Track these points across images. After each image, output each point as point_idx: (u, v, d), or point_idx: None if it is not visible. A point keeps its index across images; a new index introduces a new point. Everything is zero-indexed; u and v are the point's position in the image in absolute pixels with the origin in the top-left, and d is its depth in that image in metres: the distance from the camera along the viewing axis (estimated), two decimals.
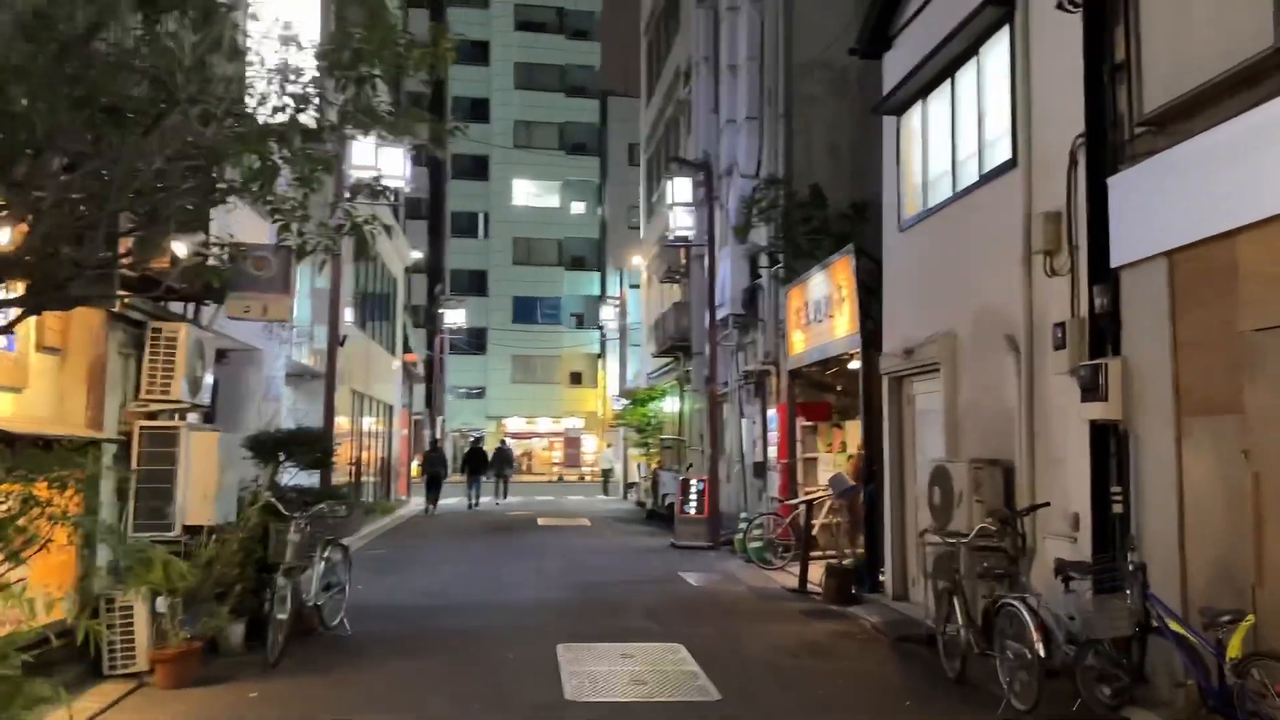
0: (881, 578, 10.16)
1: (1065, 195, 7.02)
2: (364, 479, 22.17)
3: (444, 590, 10.57)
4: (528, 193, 52.74)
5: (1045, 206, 7.25)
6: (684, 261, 21.34)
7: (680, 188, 14.68)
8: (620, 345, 46.50)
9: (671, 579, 11.72)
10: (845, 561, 10.54)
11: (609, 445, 31.61)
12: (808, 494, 13.37)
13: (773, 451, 14.28)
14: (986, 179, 8.25)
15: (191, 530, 7.05)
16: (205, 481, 7.02)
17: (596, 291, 51.51)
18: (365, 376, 21.63)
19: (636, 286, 31.56)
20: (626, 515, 22.17)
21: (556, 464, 50.09)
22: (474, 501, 24.69)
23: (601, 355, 50.51)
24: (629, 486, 29.18)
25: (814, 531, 13.19)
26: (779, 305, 14.64)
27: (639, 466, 28.71)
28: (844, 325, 11.35)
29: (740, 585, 11.27)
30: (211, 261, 8.08)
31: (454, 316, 29.35)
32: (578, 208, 53.10)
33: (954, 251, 8.81)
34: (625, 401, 25.21)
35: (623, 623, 8.78)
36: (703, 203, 16.00)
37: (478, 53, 53.79)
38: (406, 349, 28.64)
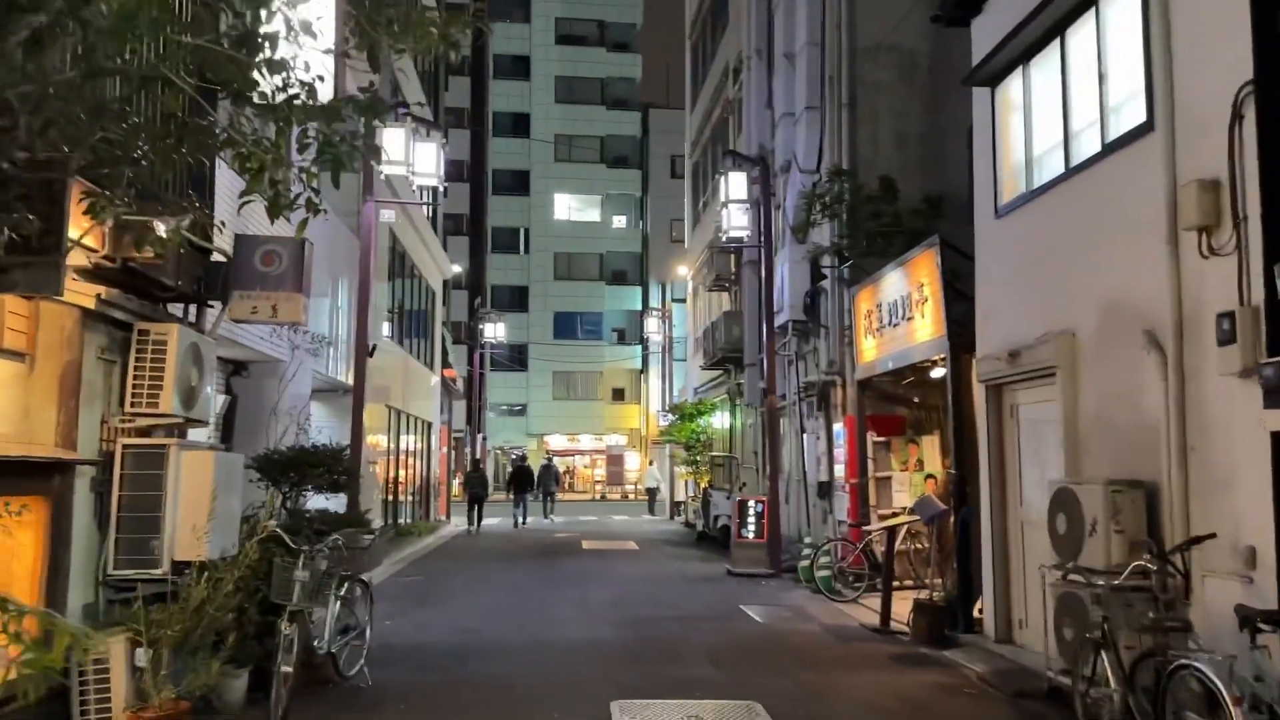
0: (978, 614, 8.86)
1: (1227, 158, 5.73)
2: (401, 499, 21.21)
3: (480, 627, 9.43)
4: (568, 207, 51.97)
5: (1196, 173, 5.96)
6: (734, 269, 20.16)
7: (734, 184, 13.53)
8: (665, 359, 45.36)
9: (733, 614, 10.48)
10: (934, 595, 9.22)
11: (652, 463, 30.41)
12: (883, 517, 12.07)
13: (839, 470, 13.00)
14: (1112, 148, 6.97)
15: (182, 567, 5.99)
16: (199, 509, 5.97)
17: (638, 306, 50.51)
18: (402, 392, 20.72)
19: (681, 300, 30.40)
20: (675, 537, 20.93)
21: (599, 481, 48.99)
22: (521, 520, 24.14)
23: (644, 370, 49.43)
24: (676, 506, 27.94)
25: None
26: (844, 310, 13.39)
27: (686, 485, 27.47)
28: (927, 328, 10.08)
29: (812, 622, 10.00)
30: (216, 257, 7.15)
31: (494, 331, 28.33)
32: (619, 222, 52.21)
33: (1069, 236, 7.54)
34: (672, 417, 24.03)
35: (684, 671, 7.57)
36: (758, 201, 14.82)
37: (518, 67, 53.38)
38: (446, 364, 27.77)
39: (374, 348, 11.35)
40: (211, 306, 7.40)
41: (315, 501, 11.31)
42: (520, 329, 48.55)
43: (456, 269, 33.95)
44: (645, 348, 49.53)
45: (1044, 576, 7.02)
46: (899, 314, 10.86)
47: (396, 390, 20.21)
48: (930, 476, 12.27)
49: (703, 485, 22.41)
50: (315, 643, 6.47)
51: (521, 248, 52.28)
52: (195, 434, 9.48)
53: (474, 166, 53.69)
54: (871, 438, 12.37)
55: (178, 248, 6.60)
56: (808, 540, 13.22)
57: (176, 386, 6.18)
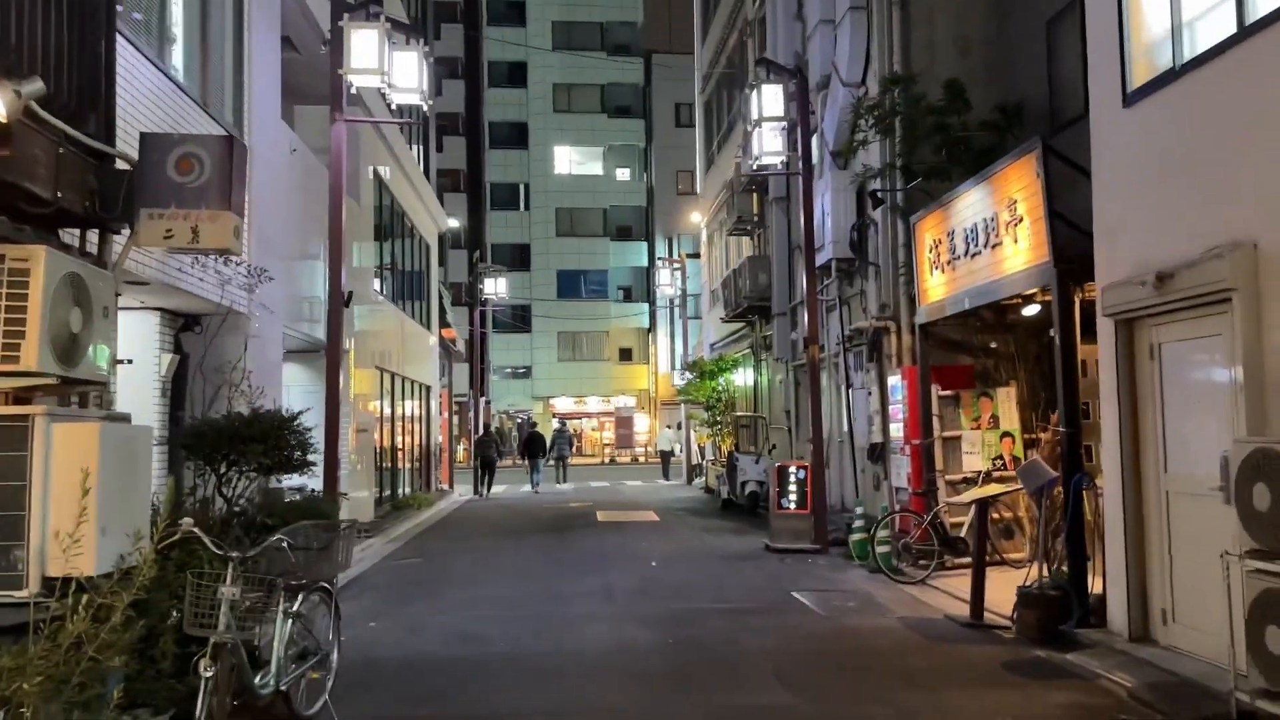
0: (1093, 600, 7.16)
1: None
2: (400, 468, 19.54)
3: (486, 630, 7.73)
4: (569, 160, 49.79)
5: None
6: (758, 209, 18.29)
7: (768, 98, 11.59)
8: (672, 316, 43.51)
9: (786, 604, 8.78)
10: (1042, 582, 7.47)
11: (668, 426, 28.72)
12: (952, 483, 10.34)
13: (895, 430, 11.24)
14: None
15: (59, 585, 4.24)
16: (77, 505, 4.20)
17: (644, 263, 48.58)
18: (398, 354, 18.96)
19: (695, 256, 28.37)
20: (697, 505, 19.25)
21: (608, 445, 47.37)
22: (536, 486, 23.47)
23: (651, 329, 47.57)
24: (693, 470, 26.28)
25: (962, 533, 10.19)
26: (898, 244, 11.55)
27: (705, 448, 25.78)
28: (1021, 255, 8.25)
29: (885, 614, 8.29)
30: (120, 165, 5.33)
31: (494, 287, 26.53)
32: (622, 174, 50.06)
33: (1243, 119, 5.69)
34: (688, 375, 22.26)
35: (749, 696, 5.86)
36: (793, 121, 12.87)
37: (513, 13, 50.96)
38: (444, 324, 25.99)
39: (350, 296, 9.56)
40: (119, 233, 5.60)
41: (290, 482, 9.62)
42: (523, 289, 46.65)
43: (454, 223, 32.02)
44: (653, 304, 47.63)
45: (1227, 566, 5.27)
46: (979, 241, 9.02)
47: (391, 352, 18.44)
48: (1007, 435, 10.53)
49: (725, 448, 20.71)
50: (259, 679, 4.75)
51: (521, 204, 50.21)
52: (134, 401, 7.76)
53: (470, 119, 51.44)
54: (936, 391, 10.58)
55: (55, 149, 4.83)
56: (859, 511, 11.50)
57: (46, 333, 4.39)
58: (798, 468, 12.16)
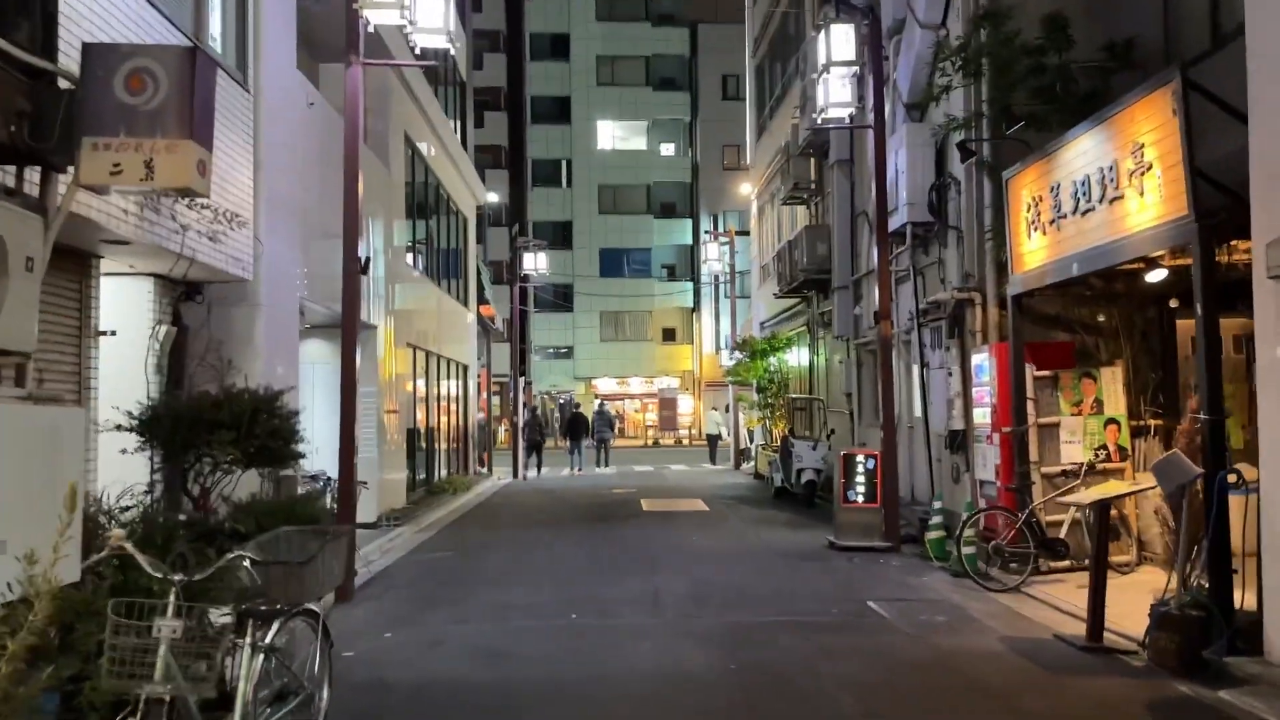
0: (1242, 621, 5.90)
1: None
2: (437, 450, 18.64)
3: (514, 647, 6.67)
4: (612, 135, 48.45)
5: None
6: (815, 175, 16.96)
7: (837, 40, 10.23)
8: (716, 294, 42.21)
9: (863, 617, 7.60)
10: (1177, 598, 6.20)
11: (714, 408, 27.52)
12: (1049, 477, 9.06)
13: (981, 415, 9.96)
14: None
15: None
16: None
17: (688, 241, 47.28)
18: (434, 332, 18.02)
19: (744, 233, 26.95)
20: (748, 493, 18.08)
21: (650, 426, 46.24)
22: (578, 468, 23.15)
23: (696, 309, 46.28)
24: (741, 454, 25.10)
25: (1061, 533, 8.92)
26: (984, 205, 10.24)
27: (752, 432, 24.59)
28: (1149, 208, 6.92)
29: (983, 631, 7.08)
30: (62, 84, 4.24)
31: (534, 262, 25.46)
32: (667, 150, 48.62)
33: None
34: (738, 355, 21.04)
35: None
36: (864, 65, 11.52)
37: None
38: (483, 301, 25.02)
39: (367, 262, 8.52)
40: (64, 170, 4.56)
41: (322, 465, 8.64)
42: (565, 267, 45.57)
43: (493, 197, 31.03)
44: (697, 283, 46.30)
45: None
46: (1092, 196, 7.69)
47: (427, 330, 17.50)
48: (1112, 421, 9.21)
49: (778, 433, 19.50)
50: None
51: (564, 180, 49.07)
52: (124, 377, 6.79)
53: (512, 94, 50.34)
54: (1031, 372, 9.28)
55: None
56: (937, 506, 10.27)
57: None
58: (866, 456, 10.93)
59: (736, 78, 47.18)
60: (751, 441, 25.11)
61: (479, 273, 25.04)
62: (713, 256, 25.56)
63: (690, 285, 47.40)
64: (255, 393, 5.94)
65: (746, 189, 24.34)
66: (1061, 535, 8.93)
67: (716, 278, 43.81)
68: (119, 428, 4.95)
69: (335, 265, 8.98)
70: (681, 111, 48.29)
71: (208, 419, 5.01)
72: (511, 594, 8.59)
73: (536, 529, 13.23)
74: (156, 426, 4.81)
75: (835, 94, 10.87)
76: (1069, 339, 9.93)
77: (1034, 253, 8.89)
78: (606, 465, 24.55)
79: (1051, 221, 8.48)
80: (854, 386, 14.65)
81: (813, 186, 16.83)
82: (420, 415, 17.21)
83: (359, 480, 9.21)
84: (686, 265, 48.08)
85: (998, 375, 9.58)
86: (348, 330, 8.48)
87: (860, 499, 10.88)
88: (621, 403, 46.73)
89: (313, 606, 4.33)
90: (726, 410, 26.39)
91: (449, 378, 20.37)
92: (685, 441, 41.60)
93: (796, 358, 19.15)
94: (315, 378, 13.29)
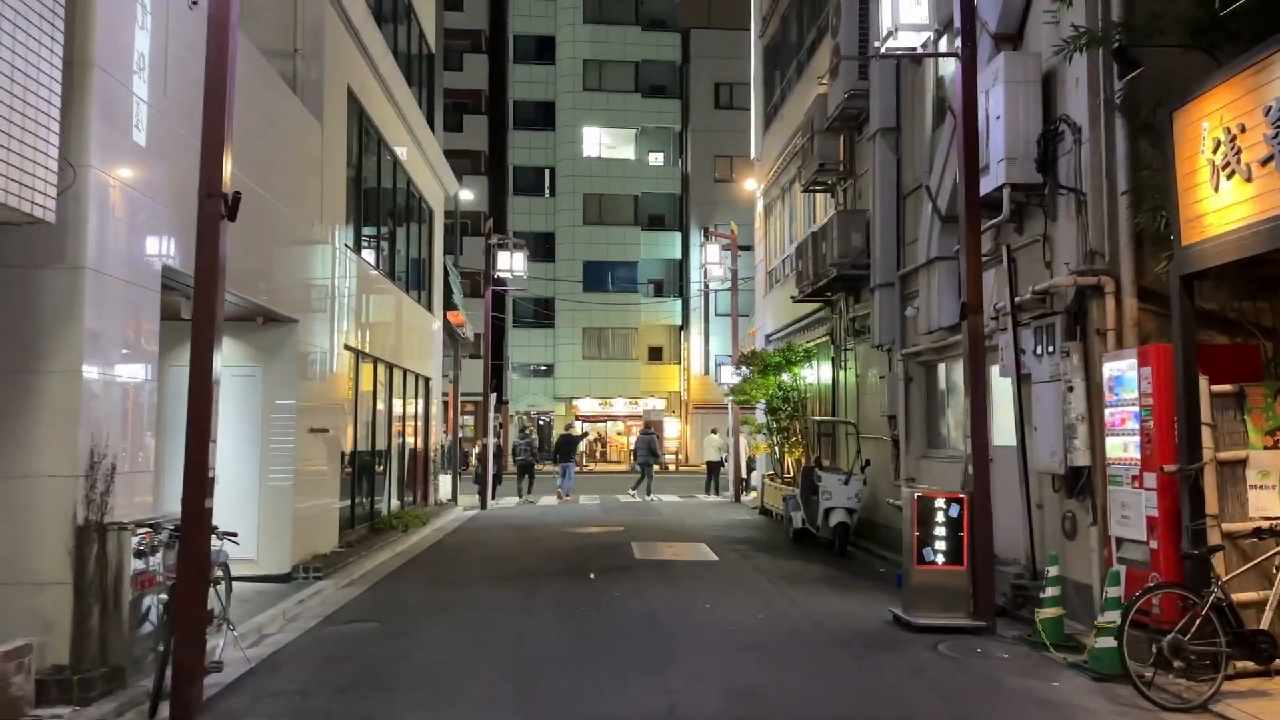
0: None
1: None
2: (384, 478, 15.61)
3: None
4: (599, 142, 45.78)
5: None
6: (844, 155, 14.16)
7: None
8: (714, 308, 39.23)
9: None
10: None
11: (714, 431, 24.57)
12: (1230, 535, 6.23)
13: (1120, 445, 7.11)
14: None
15: None
16: None
17: (677, 255, 44.60)
18: (386, 337, 15.05)
19: (747, 248, 24.05)
20: (757, 534, 15.13)
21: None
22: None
23: (684, 327, 43.45)
24: (742, 484, 22.14)
25: (1264, 623, 6.05)
26: (1118, 157, 7.44)
27: (752, 460, 21.64)
28: None
29: None
30: None
31: (509, 263, 22.54)
32: (656, 159, 46.01)
33: None
34: (741, 370, 18.15)
35: None
36: None
37: None
38: (451, 306, 22.06)
39: (235, 200, 5.52)
40: None
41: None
42: (546, 281, 42.71)
43: (468, 195, 28.17)
44: (686, 299, 43.47)
45: None
46: None
47: (377, 333, 14.53)
48: None
49: (790, 461, 16.58)
50: None
51: (547, 189, 46.36)
52: None
53: (493, 97, 47.68)
54: (1206, 386, 6.45)
55: None
56: (1053, 572, 7.37)
57: None
58: (948, 500, 8.01)
59: (731, 86, 44.69)
60: (751, 470, 22.22)
61: (447, 275, 22.10)
62: (712, 260, 22.70)
63: (679, 302, 44.75)
64: None
65: (752, 184, 21.54)
66: (1264, 626, 6.08)
67: (707, 292, 40.99)
68: None
69: (250, 236, 6.13)
70: (672, 120, 45.87)
71: None
72: (452, 711, 5.58)
73: (500, 586, 10.22)
74: None
75: (907, 12, 8.05)
76: (1247, 341, 7.12)
77: (1223, 211, 6.05)
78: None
79: (1265, 160, 5.67)
80: (900, 408, 11.78)
81: (842, 167, 14.04)
82: (365, 436, 14.20)
83: (223, 532, 6.22)
84: (675, 281, 45.47)
85: (1156, 390, 6.73)
86: (201, 301, 5.52)
87: (941, 559, 7.95)
88: (604, 424, 43.77)
89: None
90: (729, 434, 23.43)
91: (407, 393, 17.37)
92: (672, 467, 38.63)
93: (816, 373, 16.27)
94: (225, 390, 10.28)
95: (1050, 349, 7.98)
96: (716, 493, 22.84)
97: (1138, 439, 6.88)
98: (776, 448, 17.06)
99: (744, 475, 22.43)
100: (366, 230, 14.33)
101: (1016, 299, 8.57)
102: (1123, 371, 7.10)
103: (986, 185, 8.24)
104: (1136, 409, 6.91)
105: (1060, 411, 7.78)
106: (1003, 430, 9.16)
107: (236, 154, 6.20)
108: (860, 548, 12.60)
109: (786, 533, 14.26)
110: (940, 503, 8.02)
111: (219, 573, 6.90)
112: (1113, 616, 6.40)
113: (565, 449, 22.79)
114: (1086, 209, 7.68)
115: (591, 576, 10.56)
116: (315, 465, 11.31)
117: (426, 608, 8.97)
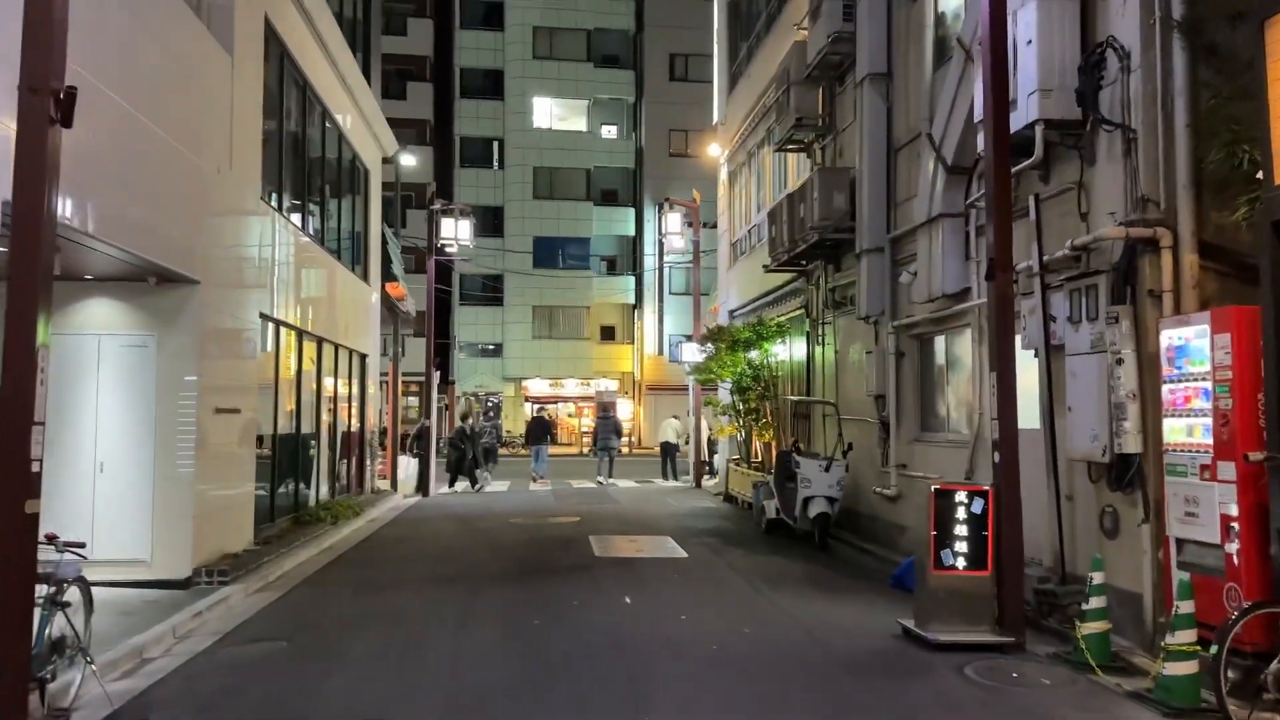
0: None
1: None
2: (312, 464, 14.05)
3: None
4: (550, 113, 44.02)
5: None
6: (823, 109, 12.89)
7: None
8: (669, 284, 38.04)
9: None
10: None
11: (675, 416, 23.30)
12: None
13: (1183, 428, 5.93)
14: None
15: None
16: None
17: (630, 231, 43.18)
18: (312, 306, 13.43)
19: (709, 226, 22.60)
20: (725, 524, 13.89)
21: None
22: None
23: (637, 306, 42.10)
24: (703, 467, 20.91)
25: None
26: (1174, 88, 6.24)
27: (714, 443, 20.44)
28: None
29: None
30: None
31: (453, 230, 20.94)
32: (609, 132, 44.42)
33: None
34: (706, 348, 16.86)
35: None
36: None
37: None
38: (389, 278, 20.41)
39: (69, 100, 4.02)
40: None
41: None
42: (495, 255, 40.98)
43: (409, 160, 26.37)
44: (640, 277, 42.08)
45: None
46: None
47: (301, 301, 12.93)
48: None
49: (762, 443, 15.36)
50: None
51: (495, 161, 44.55)
52: None
53: (439, 64, 45.65)
54: None
55: None
56: (1097, 579, 6.20)
57: None
58: (970, 494, 6.79)
59: (686, 58, 43.22)
60: (714, 454, 21.00)
61: (386, 244, 20.43)
62: (673, 229, 21.32)
63: (632, 280, 43.37)
64: None
65: (715, 150, 20.19)
66: None
67: (662, 268, 39.55)
68: None
69: (134, 178, 4.56)
70: (625, 91, 44.32)
71: None
72: None
73: (439, 590, 8.80)
74: None
75: None
76: None
77: None
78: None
79: None
80: (889, 386, 10.59)
81: (821, 122, 12.76)
82: (288, 417, 12.62)
83: (66, 542, 4.73)
84: (628, 258, 44.07)
85: (1237, 362, 5.55)
86: (24, 235, 4.01)
87: (961, 563, 6.73)
88: (555, 406, 42.31)
89: None
90: (688, 415, 22.17)
91: (339, 370, 15.77)
92: (626, 450, 37.37)
93: (789, 350, 15.04)
94: (102, 360, 8.70)
95: (1092, 315, 6.77)
96: (675, 477, 21.60)
97: (1208, 421, 5.71)
98: (744, 430, 15.82)
99: (705, 459, 21.21)
100: (289, 186, 12.69)
101: (1045, 258, 7.35)
102: (1188, 339, 5.92)
103: (1015, 123, 6.99)
104: (1207, 385, 5.74)
105: (1103, 389, 6.59)
106: (1022, 411, 7.97)
107: (112, 70, 4.70)
108: (841, 540, 11.42)
109: (758, 523, 13.04)
110: (961, 496, 6.79)
111: (73, 593, 5.43)
112: (1187, 637, 5.24)
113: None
114: (1136, 148, 6.47)
115: (543, 579, 9.18)
116: (224, 450, 9.75)
117: (349, 621, 7.53)
